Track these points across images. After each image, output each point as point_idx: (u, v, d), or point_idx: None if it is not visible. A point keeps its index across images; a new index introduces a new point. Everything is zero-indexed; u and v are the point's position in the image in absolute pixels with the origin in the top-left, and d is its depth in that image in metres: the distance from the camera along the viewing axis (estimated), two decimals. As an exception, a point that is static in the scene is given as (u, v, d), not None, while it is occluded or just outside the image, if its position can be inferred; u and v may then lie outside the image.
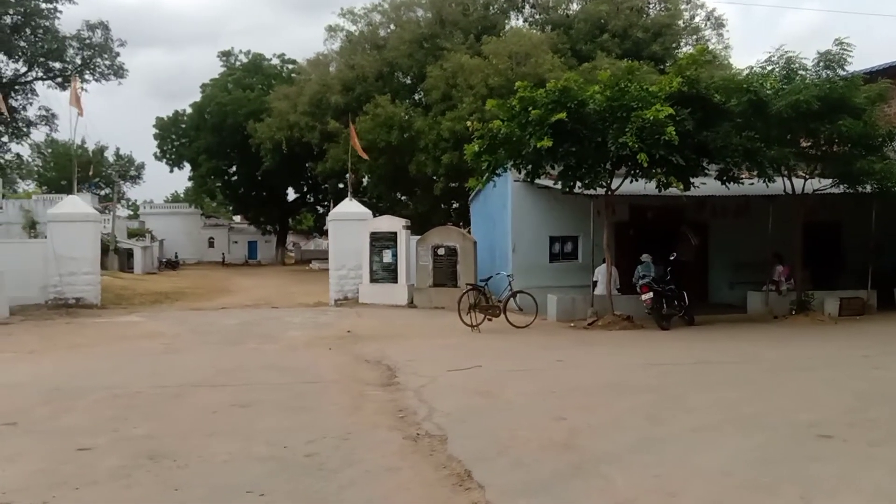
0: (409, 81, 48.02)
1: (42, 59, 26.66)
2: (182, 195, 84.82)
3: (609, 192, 14.66)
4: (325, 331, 13.97)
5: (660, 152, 12.86)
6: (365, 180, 50.53)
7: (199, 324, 15.19)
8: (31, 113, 28.05)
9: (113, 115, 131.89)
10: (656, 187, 13.75)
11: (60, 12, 26.97)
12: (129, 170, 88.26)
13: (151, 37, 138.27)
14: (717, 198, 16.29)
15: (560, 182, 14.22)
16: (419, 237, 18.90)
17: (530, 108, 13.56)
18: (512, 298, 14.62)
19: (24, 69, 26.25)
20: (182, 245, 67.87)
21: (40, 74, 27.77)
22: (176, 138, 65.91)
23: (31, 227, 46.27)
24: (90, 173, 56.73)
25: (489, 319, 14.09)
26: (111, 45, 28.07)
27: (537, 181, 15.16)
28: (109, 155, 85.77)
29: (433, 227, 23.67)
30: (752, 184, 15.43)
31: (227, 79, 64.28)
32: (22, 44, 25.25)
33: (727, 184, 14.55)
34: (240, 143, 55.48)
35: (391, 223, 19.30)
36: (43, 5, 26.28)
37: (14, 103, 26.93)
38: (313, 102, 48.12)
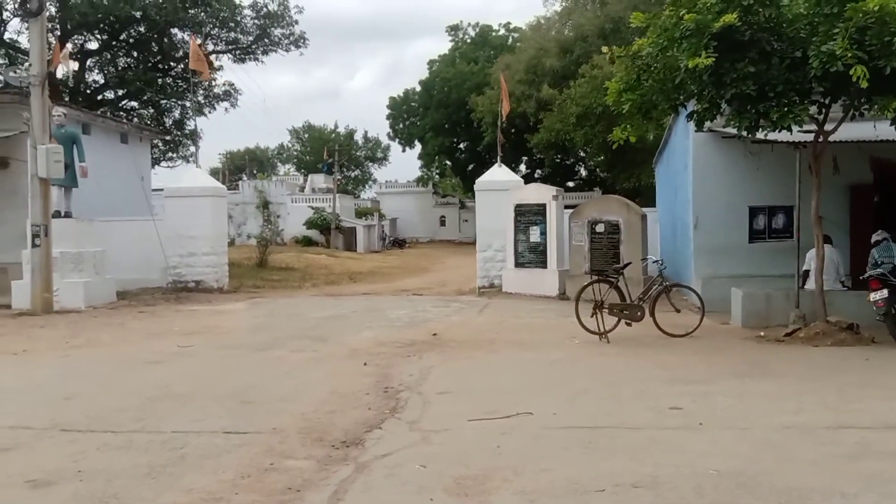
0: (635, 38, 42.90)
1: (216, 32, 26.50)
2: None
3: (819, 138, 9.66)
4: (409, 332, 10.80)
5: (892, 65, 7.79)
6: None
7: (285, 316, 12.84)
8: (216, 89, 28.18)
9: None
10: (892, 124, 8.60)
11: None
12: (375, 152, 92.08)
13: (425, 27, 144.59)
14: None
15: (734, 122, 9.48)
16: (572, 210, 14.87)
17: (684, 14, 9.10)
18: (665, 294, 10.25)
19: (199, 41, 26.05)
20: (415, 224, 68.34)
21: (221, 48, 27.74)
22: (406, 117, 66.37)
23: (265, 207, 48.74)
24: (325, 156, 58.74)
25: (627, 324, 9.93)
26: (288, 14, 27.20)
27: (709, 125, 10.53)
28: (359, 138, 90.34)
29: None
30: None
31: (455, 53, 63.17)
32: (199, 14, 24.99)
33: None
34: (464, 118, 54.07)
35: (539, 193, 15.47)
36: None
37: (195, 78, 26.94)
38: (529, 69, 44.96)
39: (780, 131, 9.24)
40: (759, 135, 9.69)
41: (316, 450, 5.35)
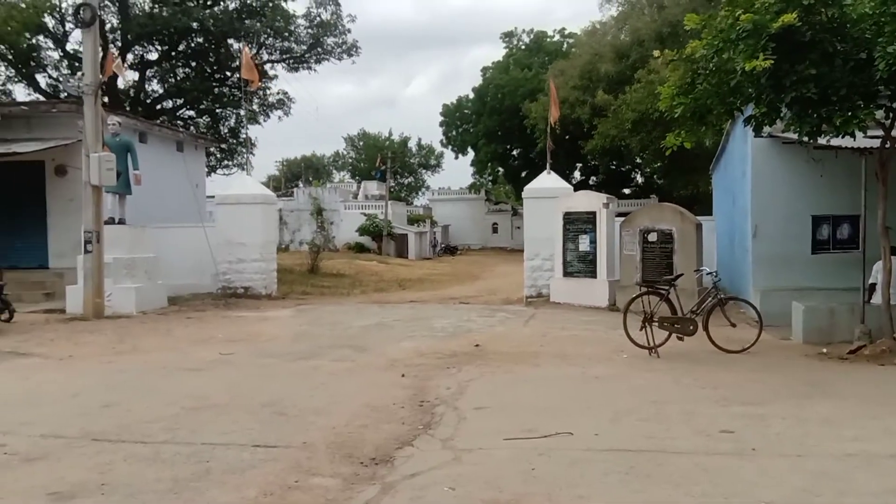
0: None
1: (271, 41, 26.81)
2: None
3: (886, 144, 9.11)
4: (451, 343, 10.56)
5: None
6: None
7: (329, 324, 12.72)
8: (270, 98, 28.57)
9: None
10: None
11: (295, -9, 26.97)
12: (429, 159, 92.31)
13: (481, 35, 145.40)
14: None
15: (794, 127, 9.00)
16: (623, 219, 14.41)
17: (741, 15, 8.69)
18: (719, 308, 9.77)
19: (253, 51, 26.39)
20: (467, 230, 68.14)
21: (275, 56, 28.11)
22: (460, 124, 66.28)
23: (318, 214, 49.24)
24: (378, 163, 59.09)
25: (679, 338, 9.51)
26: (341, 23, 27.32)
27: (768, 131, 10.06)
28: (413, 145, 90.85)
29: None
30: None
31: (509, 60, 62.85)
32: (254, 24, 25.31)
33: None
34: (518, 125, 53.71)
35: (589, 200, 15.06)
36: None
37: (247, 87, 27.31)
38: (584, 75, 44.45)
39: (843, 137, 8.76)
40: (822, 140, 9.21)
41: (343, 467, 5.17)
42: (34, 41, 25.43)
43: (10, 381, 8.08)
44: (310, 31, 27.46)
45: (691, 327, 9.46)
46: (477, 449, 5.58)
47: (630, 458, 5.29)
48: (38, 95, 26.08)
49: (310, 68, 28.41)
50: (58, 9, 23.68)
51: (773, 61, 8.25)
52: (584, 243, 14.62)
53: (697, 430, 6.00)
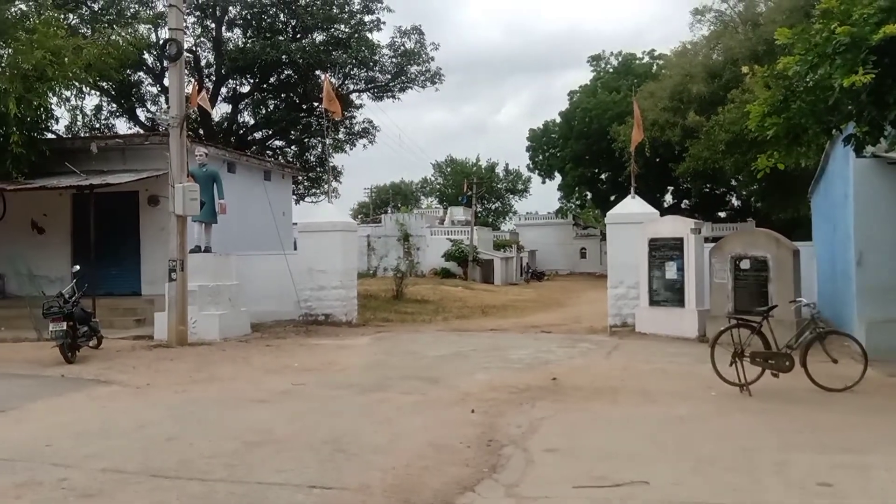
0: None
1: (356, 71, 27.23)
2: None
3: None
4: (527, 375, 10.15)
5: None
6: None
7: (403, 353, 12.54)
8: (357, 126, 29.07)
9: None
10: None
11: (384, 23, 27.24)
12: (516, 184, 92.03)
13: (572, 59, 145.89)
14: None
15: (899, 146, 8.26)
16: (713, 245, 13.65)
17: (836, 28, 8.07)
18: (818, 342, 8.98)
19: (339, 82, 26.86)
20: (554, 256, 67.40)
21: (360, 86, 28.54)
22: (546, 148, 65.82)
23: (405, 240, 49.69)
24: (464, 189, 59.28)
25: (774, 375, 8.78)
26: (425, 51, 27.52)
27: (871, 150, 9.29)
28: (500, 171, 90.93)
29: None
30: None
31: (596, 83, 62.12)
32: (340, 56, 25.77)
33: None
34: (605, 148, 52.92)
35: (675, 226, 14.35)
36: (367, 18, 26.83)
37: (332, 117, 27.78)
38: (674, 96, 43.30)
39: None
40: (932, 160, 8.40)
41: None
42: (135, 77, 26.78)
43: (87, 411, 8.22)
44: (394, 60, 27.82)
45: (787, 363, 8.71)
46: (542, 497, 5.19)
47: (712, 515, 4.79)
48: (138, 129, 27.43)
49: (393, 97, 28.82)
50: (155, 46, 24.87)
51: (874, 76, 7.61)
52: (670, 271, 13.93)
53: (790, 483, 5.41)
